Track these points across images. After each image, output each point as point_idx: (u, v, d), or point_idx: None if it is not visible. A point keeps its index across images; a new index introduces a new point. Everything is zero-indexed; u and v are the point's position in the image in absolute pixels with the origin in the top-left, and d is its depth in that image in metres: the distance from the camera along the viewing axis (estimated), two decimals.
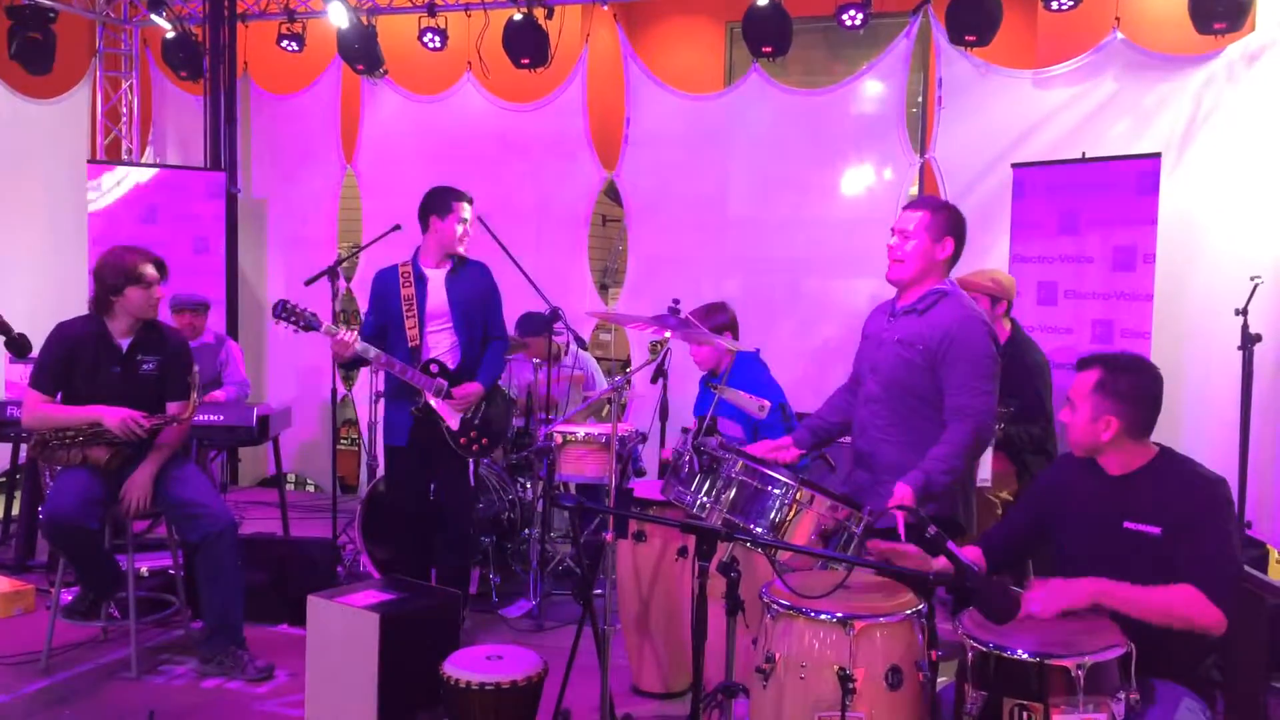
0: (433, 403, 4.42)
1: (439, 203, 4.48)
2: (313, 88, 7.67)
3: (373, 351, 4.31)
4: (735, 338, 4.51)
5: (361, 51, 7.09)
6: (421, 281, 4.48)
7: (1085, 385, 2.67)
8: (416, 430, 4.46)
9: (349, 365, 4.50)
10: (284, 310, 4.26)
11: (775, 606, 2.66)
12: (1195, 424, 5.35)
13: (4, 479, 6.33)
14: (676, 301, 3.53)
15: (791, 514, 2.86)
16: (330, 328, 4.25)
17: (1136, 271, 5.28)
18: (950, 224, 3.26)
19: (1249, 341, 4.64)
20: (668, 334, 3.46)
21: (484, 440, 4.60)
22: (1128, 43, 5.82)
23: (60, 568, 4.22)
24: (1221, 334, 4.93)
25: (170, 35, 7.46)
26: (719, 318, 4.51)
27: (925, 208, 3.28)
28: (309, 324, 4.25)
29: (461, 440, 4.51)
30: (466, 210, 4.50)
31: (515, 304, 5.54)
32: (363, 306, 7.24)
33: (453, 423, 4.47)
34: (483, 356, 4.61)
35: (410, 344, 4.40)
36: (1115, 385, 2.64)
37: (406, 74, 7.46)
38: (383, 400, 4.76)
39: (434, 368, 4.45)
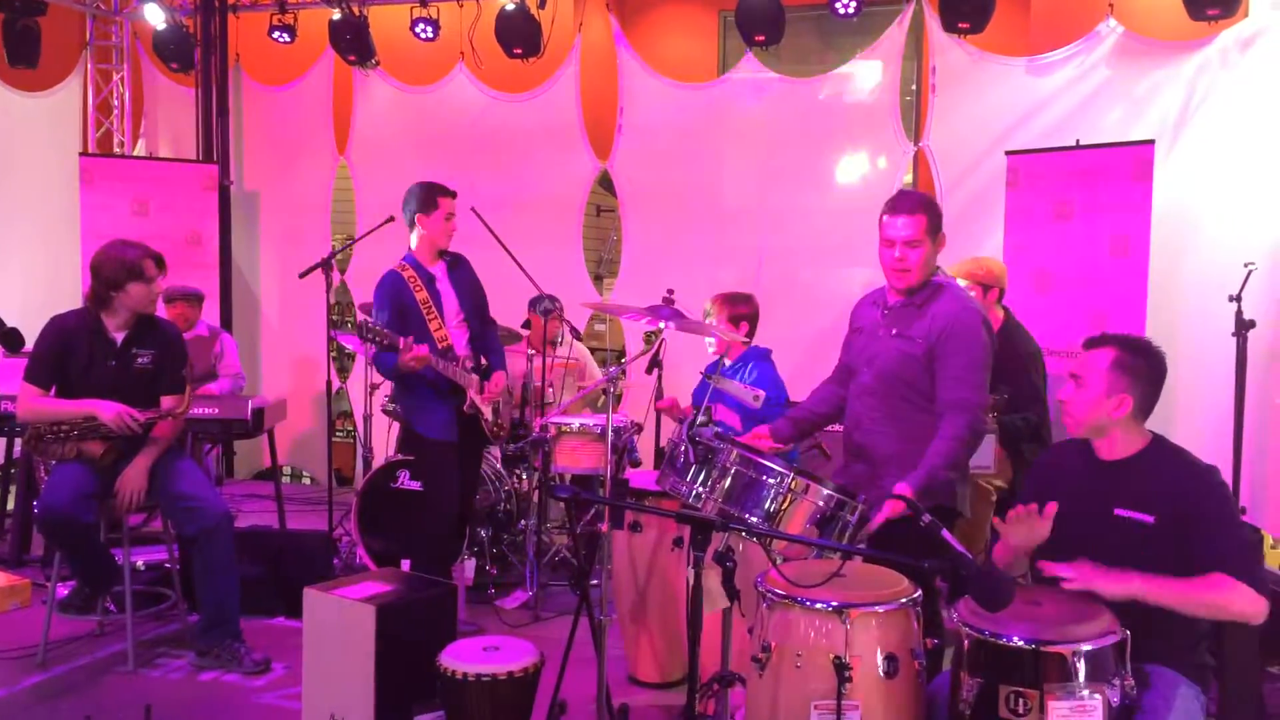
0: (476, 400, 4.48)
1: (424, 200, 4.45)
2: (305, 79, 7.65)
3: (433, 359, 4.31)
4: (752, 329, 4.53)
5: (353, 42, 7.06)
6: (431, 282, 4.48)
7: (1100, 363, 2.67)
8: (461, 425, 4.49)
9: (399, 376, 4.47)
10: (367, 332, 4.21)
11: (771, 596, 2.67)
12: (1189, 410, 5.36)
13: None
14: (671, 292, 3.53)
15: (786, 503, 2.86)
16: (409, 343, 4.22)
17: (1130, 258, 5.28)
18: (940, 219, 3.23)
19: (1243, 327, 4.65)
20: (662, 325, 3.45)
21: (505, 425, 4.76)
22: (1121, 29, 5.81)
23: (56, 562, 4.21)
24: (1215, 320, 4.93)
25: (161, 27, 7.42)
26: (740, 307, 4.53)
27: (920, 210, 3.20)
28: (390, 344, 4.20)
29: (493, 429, 4.62)
30: (450, 204, 4.49)
31: (510, 295, 5.53)
32: (357, 299, 7.24)
33: (489, 414, 4.55)
34: (490, 346, 4.69)
35: (441, 345, 4.39)
36: (1133, 364, 2.65)
37: (399, 65, 7.44)
38: (404, 393, 4.69)
39: (469, 364, 4.48)
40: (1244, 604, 2.44)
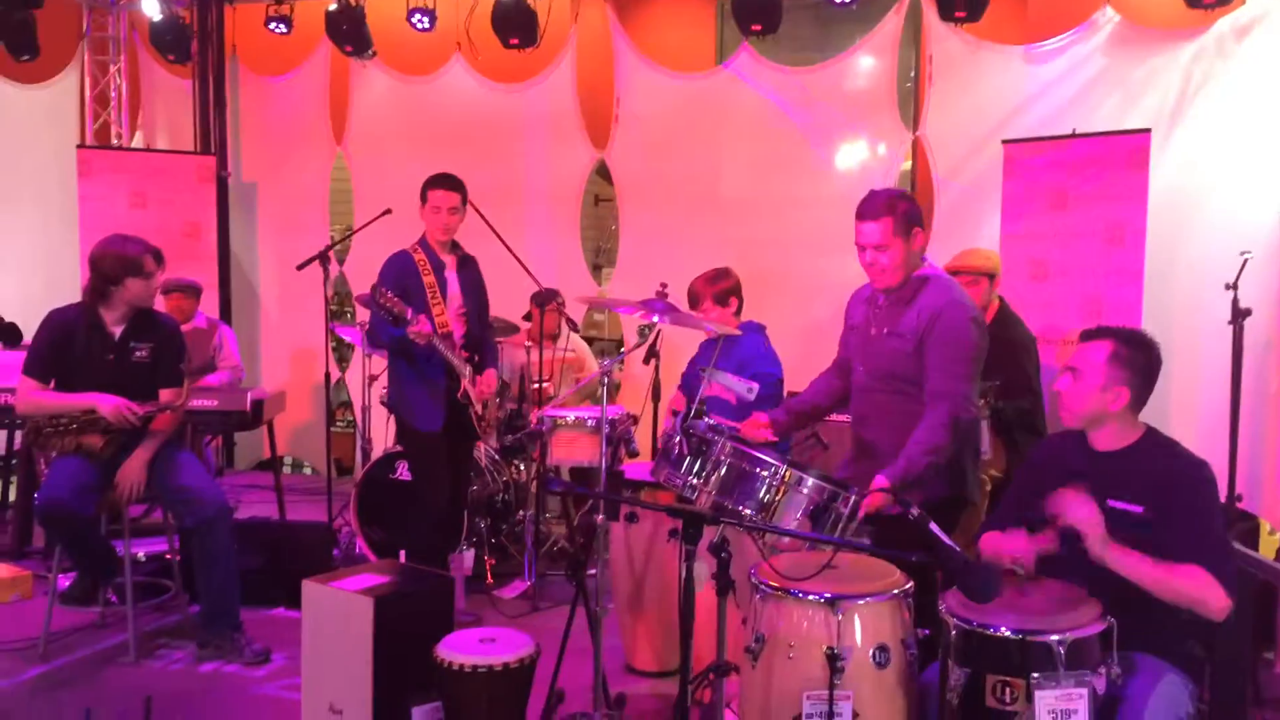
0: (470, 390, 4.51)
1: (421, 193, 4.52)
2: (302, 70, 7.65)
3: (435, 336, 4.34)
4: (740, 302, 4.50)
5: (350, 33, 7.05)
6: (440, 269, 4.52)
7: (1097, 355, 2.69)
8: (448, 415, 4.51)
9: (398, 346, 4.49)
10: (380, 296, 4.22)
11: (764, 587, 2.69)
12: (1185, 398, 5.38)
13: (0, 464, 6.35)
14: (664, 285, 3.53)
15: (779, 495, 2.88)
16: (416, 317, 4.25)
17: (1126, 247, 5.29)
18: (913, 213, 3.21)
19: (1239, 316, 4.66)
20: (655, 319, 3.46)
21: (491, 421, 4.79)
22: (1118, 18, 5.80)
23: (57, 554, 4.24)
24: (1211, 309, 4.94)
25: (158, 18, 7.42)
26: (723, 283, 4.45)
27: (885, 213, 3.17)
28: (400, 317, 4.22)
29: (481, 424, 4.63)
30: (440, 197, 4.48)
31: (507, 286, 5.54)
32: (355, 290, 7.25)
33: (479, 407, 4.58)
34: (484, 345, 4.72)
35: (441, 331, 4.43)
36: (1131, 357, 2.67)
37: (395, 55, 7.43)
38: (396, 385, 4.71)
39: (463, 354, 4.52)
40: (1214, 600, 2.47)
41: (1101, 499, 2.65)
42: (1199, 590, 2.47)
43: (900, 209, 3.19)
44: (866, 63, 6.50)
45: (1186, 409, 5.37)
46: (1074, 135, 5.55)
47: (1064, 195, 5.53)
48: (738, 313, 4.46)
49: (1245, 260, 4.63)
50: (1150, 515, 2.57)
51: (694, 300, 4.45)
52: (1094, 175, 5.40)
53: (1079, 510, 2.55)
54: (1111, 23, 5.82)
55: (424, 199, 4.50)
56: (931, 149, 6.33)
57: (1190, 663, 2.59)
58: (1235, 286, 4.63)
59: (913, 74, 7.23)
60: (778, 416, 3.53)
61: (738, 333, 4.19)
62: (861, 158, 6.64)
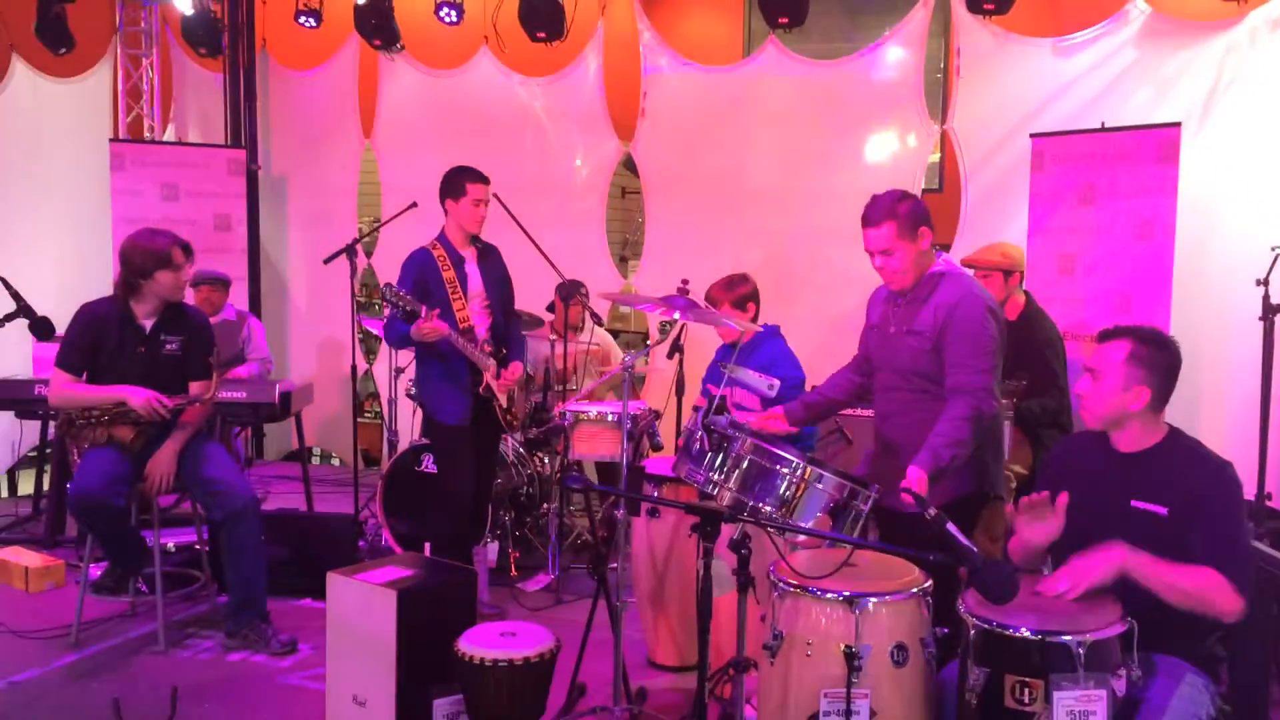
0: (492, 384, 4.53)
1: (452, 186, 4.52)
2: (330, 64, 7.71)
3: (452, 334, 4.37)
4: (758, 307, 4.50)
5: (378, 27, 7.10)
6: (460, 263, 4.54)
7: (1115, 356, 2.67)
8: (474, 409, 4.54)
9: (412, 344, 4.52)
10: (392, 295, 4.26)
11: (782, 585, 2.70)
12: (1214, 395, 5.32)
13: (35, 454, 6.45)
14: (685, 282, 3.54)
15: (799, 491, 2.88)
16: (431, 314, 4.27)
17: (1156, 242, 5.23)
18: (917, 214, 3.20)
19: (1270, 312, 4.61)
20: (676, 315, 3.46)
21: (519, 415, 4.82)
22: (1149, 10, 5.74)
23: (89, 543, 4.30)
24: (1242, 305, 4.89)
25: (189, 13, 7.49)
26: (741, 289, 4.46)
27: (888, 218, 3.18)
28: (412, 312, 4.25)
29: (507, 417, 4.66)
30: (479, 190, 4.51)
31: (532, 280, 5.56)
32: (383, 282, 7.30)
33: (504, 399, 4.60)
34: (510, 336, 4.73)
35: (462, 325, 4.45)
36: (1149, 356, 2.65)
37: (423, 48, 7.47)
38: (422, 379, 4.74)
39: (487, 348, 4.53)
40: (1225, 603, 2.45)
41: (1125, 500, 2.64)
42: (1209, 593, 2.44)
43: (902, 211, 3.19)
44: (894, 55, 6.46)
45: (1216, 406, 5.31)
46: (1103, 129, 5.49)
47: (1093, 190, 5.47)
48: (754, 318, 4.46)
49: (1277, 255, 4.58)
50: (1175, 517, 2.55)
51: (711, 306, 4.46)
52: (1124, 170, 5.34)
53: (1075, 581, 2.50)
54: (1143, 15, 5.75)
55: (462, 192, 4.50)
56: (959, 142, 6.29)
57: (1212, 663, 2.57)
58: (1266, 282, 4.58)
59: (941, 66, 7.18)
60: (793, 409, 3.57)
61: (758, 328, 4.19)
62: (889, 150, 6.61)
